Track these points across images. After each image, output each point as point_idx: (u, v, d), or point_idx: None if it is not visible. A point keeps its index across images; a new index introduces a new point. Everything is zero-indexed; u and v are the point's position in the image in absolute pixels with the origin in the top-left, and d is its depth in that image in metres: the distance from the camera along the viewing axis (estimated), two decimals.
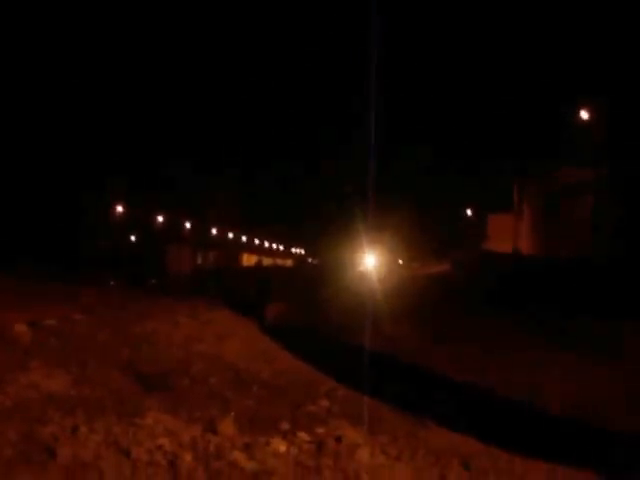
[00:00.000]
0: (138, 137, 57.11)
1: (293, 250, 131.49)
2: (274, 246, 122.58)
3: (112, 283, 30.85)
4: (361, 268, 50.48)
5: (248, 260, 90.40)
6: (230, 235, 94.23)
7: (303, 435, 7.21)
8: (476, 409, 10.19)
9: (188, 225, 76.60)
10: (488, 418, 9.49)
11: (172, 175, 63.09)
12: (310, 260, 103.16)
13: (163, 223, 68.62)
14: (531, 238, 40.47)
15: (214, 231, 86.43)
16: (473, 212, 53.73)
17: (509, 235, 43.40)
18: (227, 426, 6.83)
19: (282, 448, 6.62)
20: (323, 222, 78.07)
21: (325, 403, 9.30)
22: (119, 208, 56.81)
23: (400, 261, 68.00)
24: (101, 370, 8.88)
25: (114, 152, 49.59)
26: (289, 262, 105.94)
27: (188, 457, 5.65)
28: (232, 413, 7.91)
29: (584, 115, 33.59)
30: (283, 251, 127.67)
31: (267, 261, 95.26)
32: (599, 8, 35.67)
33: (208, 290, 28.74)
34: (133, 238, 58.24)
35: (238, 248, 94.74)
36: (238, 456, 5.96)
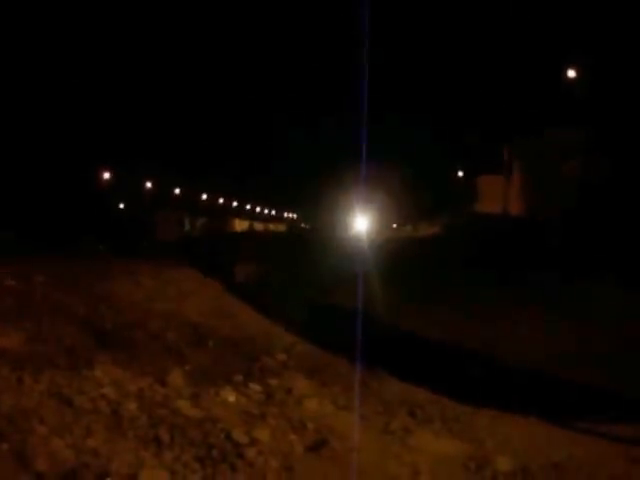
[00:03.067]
0: (133, 114, 56.53)
1: (286, 215, 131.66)
2: (266, 211, 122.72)
3: (100, 248, 30.85)
4: (352, 231, 50.73)
5: (240, 225, 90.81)
6: (221, 201, 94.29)
7: (255, 386, 7.47)
8: (433, 361, 10.53)
9: (177, 191, 76.44)
10: (443, 369, 9.83)
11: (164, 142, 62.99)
12: (303, 225, 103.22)
13: (152, 189, 68.40)
14: (520, 199, 40.96)
15: (204, 197, 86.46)
16: (464, 174, 54.00)
17: (499, 196, 43.89)
18: (176, 378, 7.05)
19: (231, 398, 6.86)
20: (316, 186, 78.24)
21: (282, 357, 9.56)
22: (106, 174, 56.76)
23: (394, 225, 68.16)
24: (56, 328, 9.01)
25: (104, 125, 49.28)
26: (281, 227, 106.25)
27: (132, 405, 5.86)
28: (186, 367, 8.15)
29: (570, 75, 33.81)
30: (276, 216, 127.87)
31: (259, 226, 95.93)
32: None
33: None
34: (122, 205, 58.19)
35: (229, 214, 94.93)
36: (183, 404, 6.19)
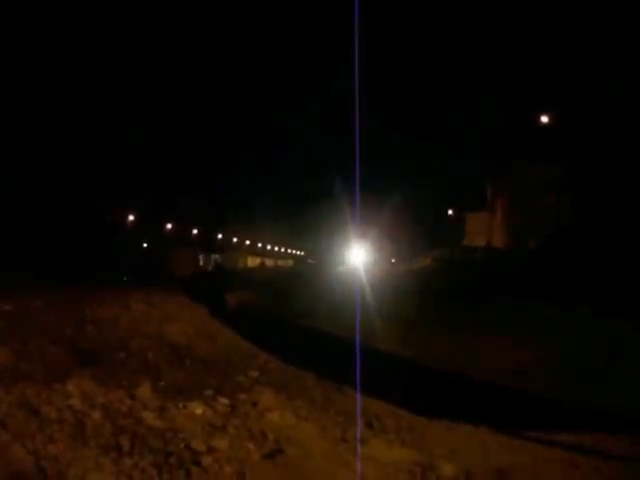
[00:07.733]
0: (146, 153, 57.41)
1: (294, 252, 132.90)
2: (276, 248, 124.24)
3: (124, 280, 31.35)
4: (350, 265, 51.46)
5: (252, 262, 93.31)
6: (234, 239, 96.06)
7: (223, 400, 7.37)
8: (400, 377, 10.46)
9: (195, 231, 77.98)
10: (409, 385, 9.77)
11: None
12: (310, 260, 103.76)
13: (172, 230, 70.18)
14: (502, 233, 41.87)
15: (220, 236, 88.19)
16: (454, 211, 55.93)
17: (484, 231, 44.91)
18: (145, 391, 6.97)
19: (198, 411, 6.78)
20: (320, 225, 79.37)
21: (255, 374, 9.47)
22: (130, 217, 58.08)
23: (392, 260, 68.60)
24: (41, 346, 8.95)
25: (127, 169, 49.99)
26: (290, 263, 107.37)
27: (96, 415, 5.81)
28: (160, 382, 8.07)
29: (545, 121, 34.62)
30: (284, 253, 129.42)
31: (269, 262, 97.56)
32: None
33: None
34: (145, 244, 59.73)
35: (242, 251, 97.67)
36: (147, 415, 6.13)
